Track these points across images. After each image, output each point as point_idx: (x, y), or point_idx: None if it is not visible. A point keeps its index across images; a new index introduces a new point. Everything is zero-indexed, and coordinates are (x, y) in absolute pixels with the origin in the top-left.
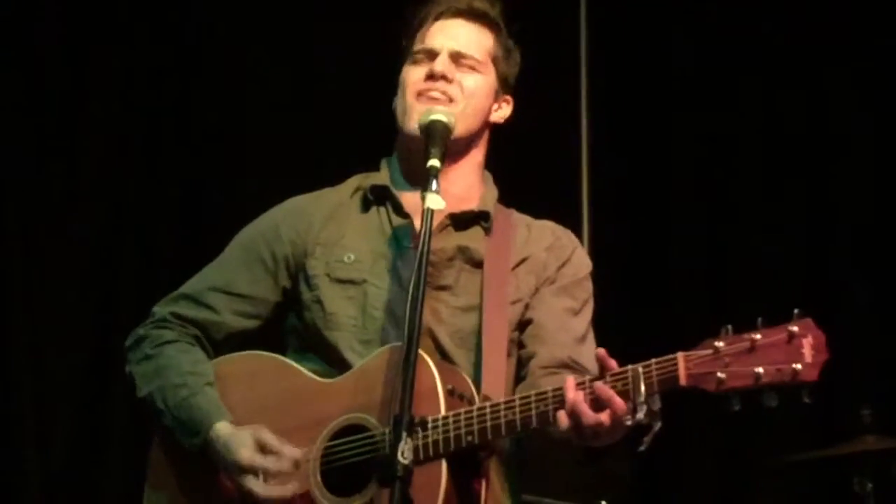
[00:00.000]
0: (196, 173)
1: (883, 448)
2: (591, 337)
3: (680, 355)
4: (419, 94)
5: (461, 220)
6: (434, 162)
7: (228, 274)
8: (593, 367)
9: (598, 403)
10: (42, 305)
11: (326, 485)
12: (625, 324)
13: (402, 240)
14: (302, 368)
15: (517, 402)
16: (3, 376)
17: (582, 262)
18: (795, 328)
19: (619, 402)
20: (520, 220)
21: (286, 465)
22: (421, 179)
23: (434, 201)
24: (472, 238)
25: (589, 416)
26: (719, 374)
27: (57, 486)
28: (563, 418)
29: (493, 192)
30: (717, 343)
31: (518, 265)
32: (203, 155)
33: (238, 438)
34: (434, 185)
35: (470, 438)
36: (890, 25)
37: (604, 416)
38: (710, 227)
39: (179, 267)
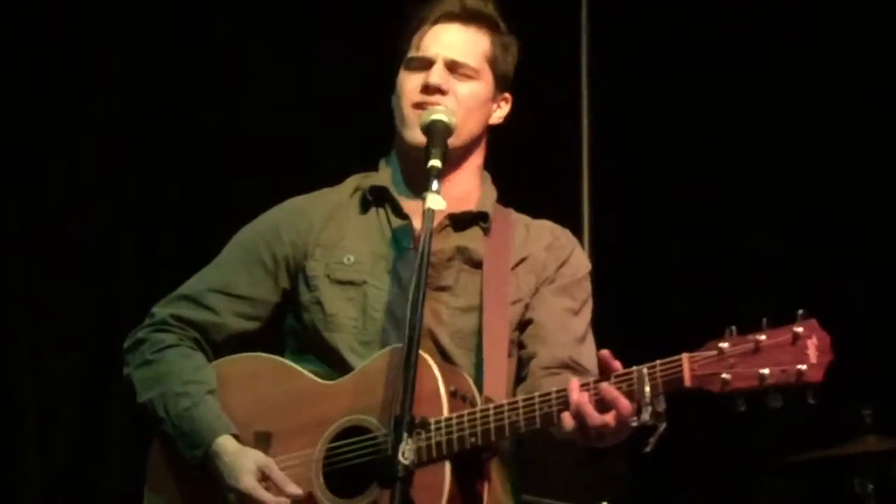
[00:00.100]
0: (196, 173)
1: (884, 449)
2: (590, 337)
3: (684, 356)
4: (416, 106)
5: (460, 221)
6: (435, 162)
7: (228, 275)
8: (593, 367)
9: (602, 404)
10: (42, 305)
11: (329, 486)
12: (625, 324)
13: (402, 241)
14: (302, 370)
15: (520, 404)
16: (4, 376)
17: (580, 261)
18: (800, 329)
19: (624, 403)
20: (518, 219)
21: (283, 501)
22: (420, 183)
23: (435, 201)
24: (471, 238)
25: (594, 417)
26: (724, 376)
27: (57, 486)
28: (567, 419)
29: (492, 193)
30: (721, 344)
31: (518, 265)
32: (203, 155)
33: (242, 462)
34: (435, 186)
35: (473, 440)
36: (890, 26)
37: (609, 418)
38: (710, 227)
39: (179, 267)
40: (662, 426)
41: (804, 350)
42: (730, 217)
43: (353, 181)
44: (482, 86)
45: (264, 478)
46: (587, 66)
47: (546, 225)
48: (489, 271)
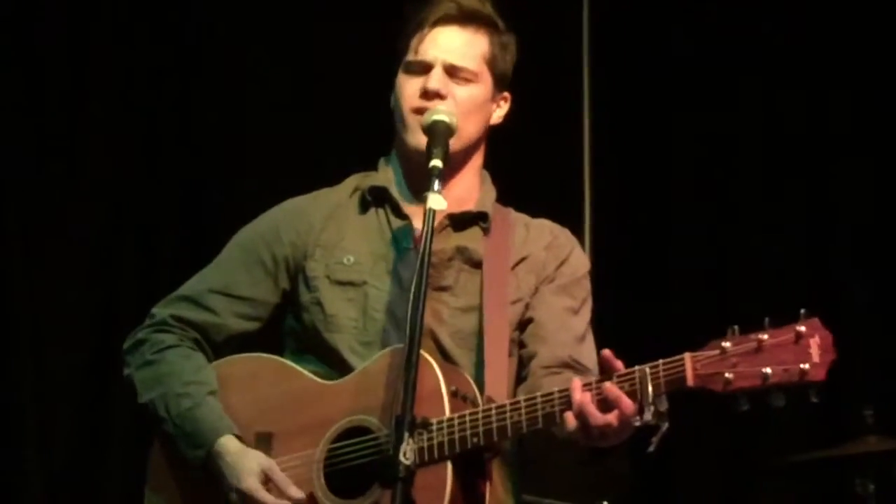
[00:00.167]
0: (196, 173)
1: (885, 449)
2: (590, 336)
3: (687, 356)
4: (416, 111)
5: (460, 221)
6: (436, 162)
7: (228, 276)
8: (593, 366)
9: (605, 404)
10: (43, 305)
11: (330, 487)
12: (625, 323)
13: (402, 241)
14: (303, 370)
15: (522, 404)
16: (5, 376)
17: (580, 260)
18: (802, 328)
19: (627, 402)
20: (518, 219)
21: (293, 496)
22: (420, 186)
23: (436, 202)
24: (471, 238)
25: (597, 417)
26: (727, 375)
27: (58, 486)
28: (570, 419)
29: (492, 192)
30: (724, 343)
31: (517, 264)
32: (203, 155)
33: (245, 463)
34: (436, 186)
35: (475, 440)
36: (890, 26)
37: (611, 417)
38: (710, 227)
39: (179, 267)
40: (665, 426)
41: (807, 349)
42: (730, 217)
43: (352, 181)
44: (481, 88)
45: (267, 480)
46: (588, 66)
47: (545, 224)
48: (489, 271)
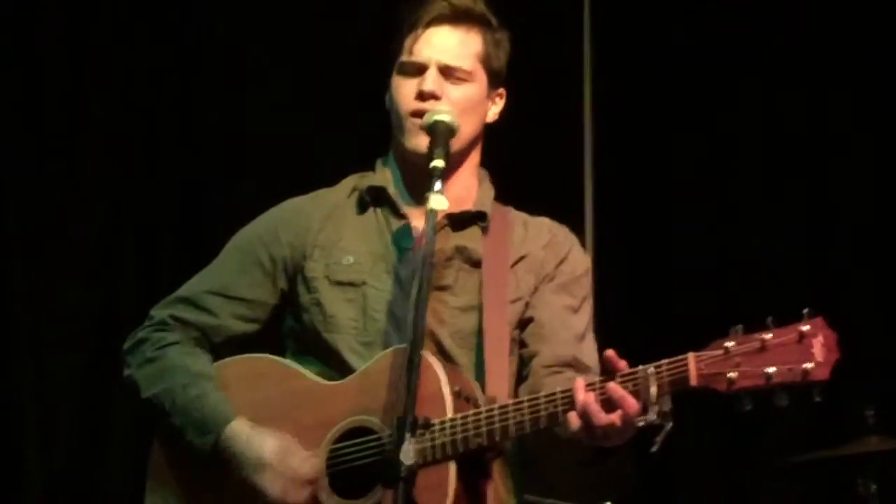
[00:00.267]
0: (196, 173)
1: (887, 449)
2: (590, 334)
3: (690, 356)
4: (412, 114)
5: (459, 221)
6: (438, 162)
7: (226, 277)
8: (594, 365)
9: (609, 404)
10: (43, 305)
11: (333, 487)
12: (627, 323)
13: (401, 241)
14: (304, 371)
15: (525, 404)
16: (5, 376)
17: (579, 259)
18: (806, 327)
19: (631, 402)
20: (516, 217)
21: (304, 475)
22: (419, 187)
23: (438, 202)
24: (470, 238)
25: (600, 416)
26: (730, 375)
27: (58, 486)
28: (573, 419)
29: (490, 191)
30: (727, 343)
31: (516, 263)
32: (203, 155)
33: (261, 438)
34: (437, 186)
35: (478, 440)
36: (890, 26)
37: (615, 417)
38: (710, 228)
39: (180, 267)
40: (668, 425)
41: (810, 348)
42: (731, 216)
43: (350, 181)
44: (476, 87)
45: (284, 453)
46: (589, 66)
47: (544, 222)
48: (488, 270)
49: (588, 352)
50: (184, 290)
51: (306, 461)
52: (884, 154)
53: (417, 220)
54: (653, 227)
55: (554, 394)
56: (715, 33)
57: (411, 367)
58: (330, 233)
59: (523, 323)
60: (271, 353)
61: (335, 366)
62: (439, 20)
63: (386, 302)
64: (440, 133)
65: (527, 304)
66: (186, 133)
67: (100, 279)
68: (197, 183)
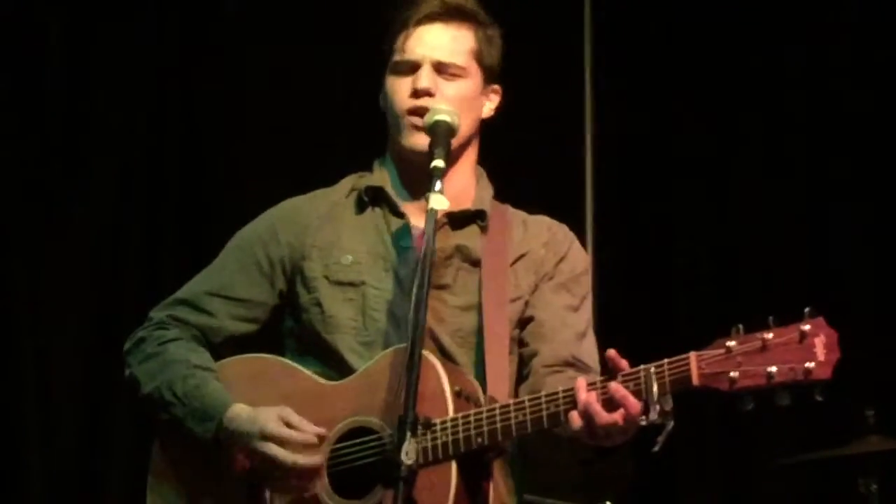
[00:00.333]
0: (196, 173)
1: (887, 449)
2: (590, 333)
3: (692, 355)
4: (408, 112)
5: (458, 219)
6: (438, 163)
7: (225, 278)
8: (594, 364)
9: (611, 403)
10: (44, 306)
11: (334, 487)
12: (627, 322)
13: (400, 240)
14: (305, 370)
15: (527, 404)
16: (7, 375)
17: (579, 257)
18: (807, 327)
19: (633, 402)
20: (515, 215)
21: (310, 438)
22: (416, 185)
23: (438, 201)
24: (469, 237)
25: (602, 416)
26: (732, 374)
27: (59, 485)
28: (575, 419)
29: (489, 189)
30: (728, 343)
31: (516, 261)
32: (204, 155)
33: (264, 413)
34: (438, 186)
35: (480, 440)
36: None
37: (617, 416)
38: (711, 226)
39: (182, 267)
40: (670, 425)
41: (812, 348)
42: (731, 215)
43: (348, 182)
44: (471, 83)
45: (287, 423)
46: (590, 64)
47: (543, 221)
48: (488, 269)
49: (588, 351)
50: (183, 292)
51: (309, 424)
52: (884, 154)
53: (416, 219)
54: (653, 225)
55: (555, 393)
56: (717, 30)
57: (411, 366)
58: (328, 233)
59: (523, 322)
60: (271, 353)
61: (335, 366)
62: (431, 18)
63: (385, 301)
64: (440, 133)
65: (526, 303)
66: (188, 133)
67: (101, 279)
68: (198, 183)
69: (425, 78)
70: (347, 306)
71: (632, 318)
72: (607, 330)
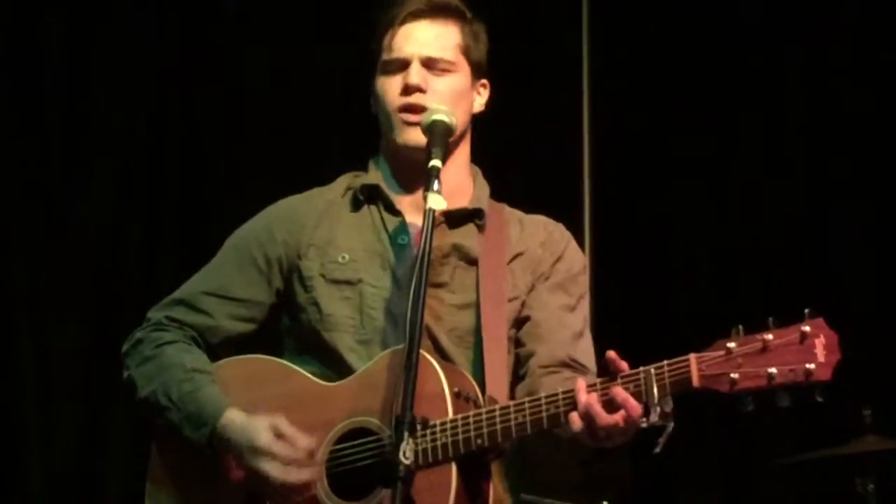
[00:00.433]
0: (196, 173)
1: (885, 448)
2: (587, 332)
3: (692, 357)
4: (400, 109)
5: (455, 218)
6: (436, 162)
7: (222, 278)
8: (590, 364)
9: (611, 405)
10: (44, 306)
11: (333, 489)
12: (625, 323)
13: (396, 237)
14: (303, 371)
15: (527, 405)
16: (7, 375)
17: (576, 257)
18: (807, 328)
19: (634, 404)
20: (512, 214)
21: (301, 454)
22: (410, 181)
23: (436, 201)
24: (466, 235)
25: (603, 417)
26: (732, 375)
27: (59, 485)
28: (575, 420)
29: (485, 188)
30: (729, 344)
31: (513, 260)
32: (203, 155)
33: (255, 423)
34: (436, 186)
35: (480, 441)
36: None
37: (618, 418)
38: (710, 227)
39: (181, 267)
40: (671, 426)
41: (812, 349)
42: (731, 215)
43: (343, 180)
44: (460, 77)
45: (278, 435)
46: (588, 61)
47: (540, 220)
48: (485, 268)
49: (585, 351)
50: (180, 292)
51: (302, 437)
52: (884, 154)
53: (412, 216)
54: (652, 225)
55: (555, 394)
56: (716, 28)
57: (409, 365)
58: (325, 231)
59: (520, 322)
60: (268, 352)
61: (333, 364)
62: (416, 15)
63: (383, 299)
64: (438, 133)
65: (523, 303)
66: (188, 133)
67: (101, 279)
68: (198, 183)
69: (415, 74)
70: (345, 305)
71: (630, 318)
72: (605, 330)
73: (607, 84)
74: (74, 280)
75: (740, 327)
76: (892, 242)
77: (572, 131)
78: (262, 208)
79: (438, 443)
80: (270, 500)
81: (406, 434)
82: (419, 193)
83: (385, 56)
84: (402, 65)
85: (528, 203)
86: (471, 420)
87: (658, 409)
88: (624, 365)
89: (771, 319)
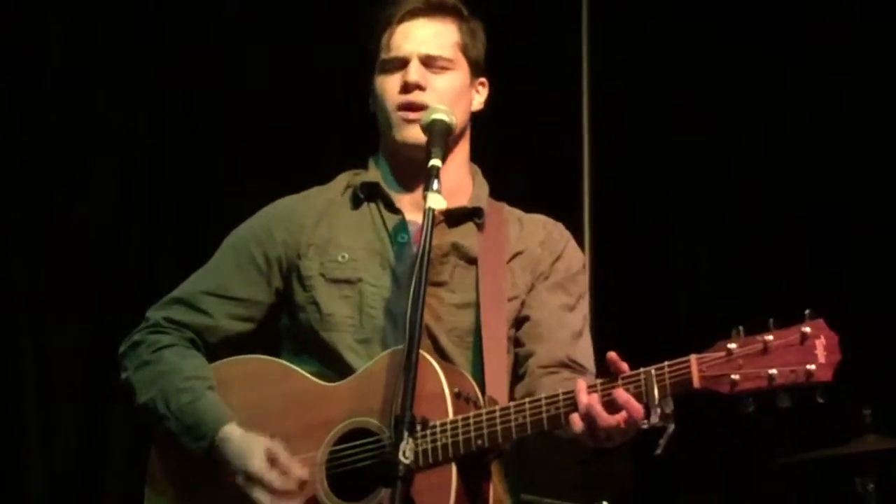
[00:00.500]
0: (196, 173)
1: (884, 448)
2: (586, 332)
3: (693, 358)
4: (399, 107)
5: (454, 216)
6: (436, 161)
7: (221, 277)
8: (589, 364)
9: (612, 406)
10: (44, 306)
11: (333, 490)
12: (625, 323)
13: (396, 235)
14: (303, 371)
15: (527, 406)
16: (7, 375)
17: (575, 256)
18: (808, 329)
19: (635, 406)
20: (511, 213)
21: (292, 484)
22: (410, 179)
23: (436, 201)
24: (465, 234)
25: (605, 418)
26: (733, 377)
27: (59, 486)
28: (576, 421)
29: (485, 187)
30: (729, 345)
31: (512, 259)
32: (203, 155)
33: (250, 446)
34: (436, 185)
35: (480, 442)
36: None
37: (619, 419)
38: (710, 227)
39: (181, 267)
40: (671, 427)
41: (813, 350)
42: (730, 216)
43: (343, 179)
44: (459, 75)
45: (273, 461)
46: (588, 61)
47: (539, 219)
48: (484, 267)
49: (584, 351)
50: (179, 291)
51: (296, 466)
52: (884, 154)
53: (411, 214)
54: (651, 225)
55: (555, 395)
56: (716, 27)
57: (409, 365)
58: (324, 230)
59: (519, 321)
60: (268, 353)
61: (333, 364)
62: (414, 14)
63: (382, 298)
64: (438, 132)
65: (523, 303)
66: (188, 133)
67: (101, 279)
68: (198, 183)
69: (415, 72)
70: (344, 304)
71: (630, 318)
72: (605, 330)
73: (607, 84)
74: (74, 280)
75: (741, 328)
76: (892, 242)
77: (572, 131)
78: (261, 208)
79: (438, 443)
80: None
81: (406, 433)
82: (419, 192)
83: (383, 55)
84: (401, 63)
85: (528, 203)
86: (471, 421)
87: (659, 410)
88: (624, 366)
89: (771, 320)
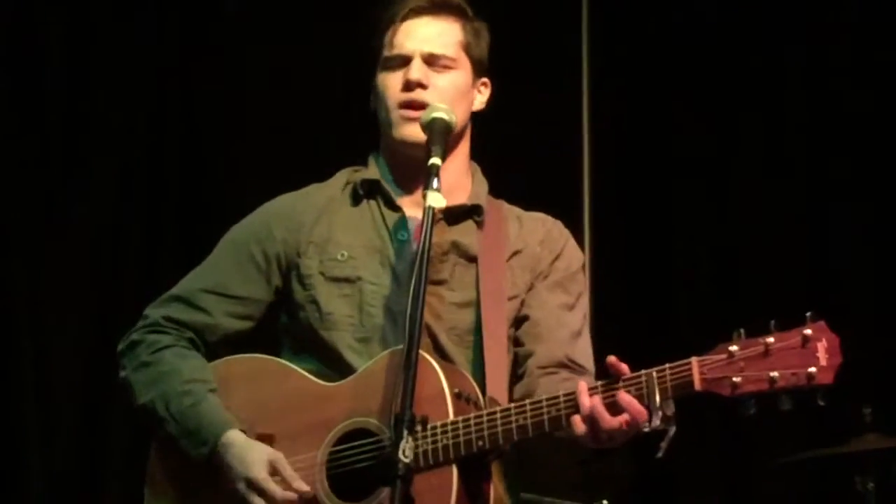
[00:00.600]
0: (196, 173)
1: (884, 447)
2: (586, 331)
3: (694, 360)
4: (401, 105)
5: (454, 214)
6: (435, 160)
7: (220, 275)
8: (588, 364)
9: (614, 408)
10: (44, 306)
11: (333, 490)
12: (625, 324)
13: (395, 233)
14: (302, 371)
15: (528, 407)
16: (7, 375)
17: (574, 254)
18: (809, 331)
19: (638, 408)
20: (510, 211)
21: (291, 496)
22: (409, 178)
23: (436, 199)
24: (465, 232)
25: (607, 420)
26: (734, 379)
27: (60, 483)
28: (578, 423)
29: (484, 184)
30: (730, 347)
31: (511, 257)
32: (203, 155)
33: (252, 454)
34: (435, 183)
35: (481, 443)
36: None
37: (622, 420)
38: (711, 227)
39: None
40: (672, 429)
41: (814, 352)
42: (731, 216)
43: (342, 175)
44: (462, 74)
45: (274, 471)
46: (588, 60)
47: (538, 217)
48: (484, 265)
49: (583, 350)
50: (178, 289)
51: (297, 479)
52: (884, 154)
53: (411, 211)
54: (652, 225)
55: (556, 397)
56: (714, 27)
57: (408, 364)
58: (324, 228)
59: (518, 321)
60: (267, 351)
61: (332, 363)
62: (418, 12)
63: (382, 297)
64: (438, 130)
65: (522, 302)
66: (188, 133)
67: (101, 279)
68: (198, 183)
69: (417, 70)
70: (344, 302)
71: (630, 318)
72: (605, 330)
73: (607, 84)
74: (74, 280)
75: (742, 330)
76: (892, 242)
77: (572, 131)
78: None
79: (439, 444)
80: None
81: (405, 432)
82: (418, 190)
83: (386, 52)
84: (404, 61)
85: (528, 202)
86: (472, 422)
87: (660, 412)
88: (625, 368)
89: (773, 322)
